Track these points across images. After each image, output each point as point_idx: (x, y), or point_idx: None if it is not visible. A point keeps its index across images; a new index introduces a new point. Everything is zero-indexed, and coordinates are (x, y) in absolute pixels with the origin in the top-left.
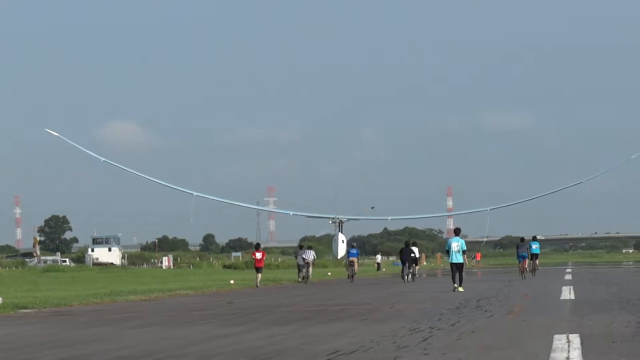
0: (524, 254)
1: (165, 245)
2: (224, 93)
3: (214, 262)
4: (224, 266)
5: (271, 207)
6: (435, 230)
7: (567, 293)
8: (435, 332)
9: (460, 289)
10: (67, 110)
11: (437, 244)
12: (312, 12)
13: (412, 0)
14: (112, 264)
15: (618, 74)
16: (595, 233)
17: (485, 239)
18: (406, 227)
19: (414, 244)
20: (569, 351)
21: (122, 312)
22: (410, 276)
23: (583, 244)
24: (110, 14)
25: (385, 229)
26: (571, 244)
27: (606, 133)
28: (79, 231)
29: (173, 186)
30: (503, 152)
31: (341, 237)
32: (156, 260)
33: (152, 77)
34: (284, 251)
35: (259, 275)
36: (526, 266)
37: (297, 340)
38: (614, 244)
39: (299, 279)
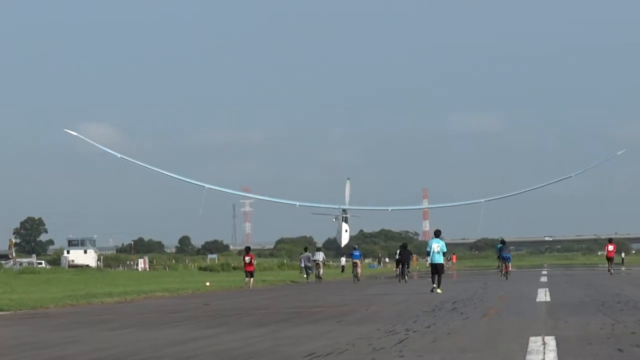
0: (507, 255)
1: (141, 247)
2: (197, 94)
3: (190, 264)
4: (200, 268)
5: (276, 199)
6: (411, 232)
7: (543, 295)
8: (411, 334)
9: (439, 290)
10: (41, 111)
11: (413, 246)
12: (285, 14)
13: (386, 2)
14: (87, 266)
15: (591, 75)
16: (579, 235)
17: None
18: (382, 229)
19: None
20: (544, 353)
21: (98, 314)
22: (405, 277)
23: (559, 246)
24: (83, 15)
25: (361, 231)
26: (547, 246)
27: (579, 133)
28: (54, 233)
29: (185, 179)
30: (476, 154)
31: (344, 227)
32: (132, 262)
33: (126, 78)
34: (259, 253)
35: (251, 279)
36: (508, 268)
37: (273, 343)
38: (590, 246)
39: (307, 279)
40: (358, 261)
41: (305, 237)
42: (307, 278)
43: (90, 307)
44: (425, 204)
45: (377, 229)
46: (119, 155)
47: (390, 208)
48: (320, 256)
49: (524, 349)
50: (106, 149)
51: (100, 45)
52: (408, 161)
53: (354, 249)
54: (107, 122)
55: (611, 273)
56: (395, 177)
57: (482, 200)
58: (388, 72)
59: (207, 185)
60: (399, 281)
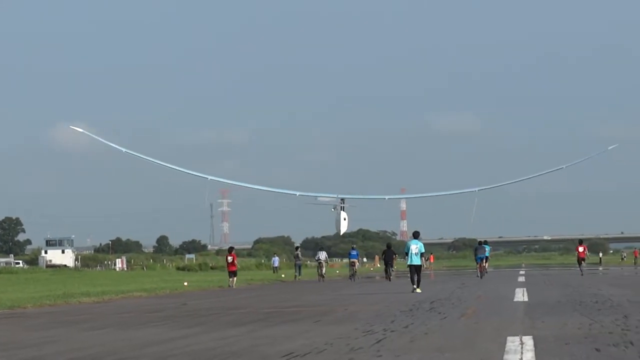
0: (482, 255)
1: (118, 247)
2: (178, 95)
3: (168, 264)
4: (178, 268)
5: (276, 189)
6: (389, 232)
7: (521, 295)
8: (388, 334)
9: (418, 290)
10: (18, 111)
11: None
12: (266, 16)
13: (364, 5)
14: (65, 265)
15: (563, 78)
16: (566, 235)
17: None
18: (360, 229)
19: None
20: (522, 353)
21: (76, 314)
22: (389, 276)
23: (536, 246)
24: (59, 17)
25: None
26: (524, 246)
27: (552, 133)
28: (32, 233)
29: (189, 171)
30: (453, 154)
31: (343, 215)
32: (110, 262)
33: (102, 78)
34: (237, 253)
35: (234, 278)
36: (485, 267)
37: (251, 342)
38: (567, 246)
39: (297, 278)
40: (355, 260)
41: (283, 237)
42: (296, 277)
43: (68, 307)
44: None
45: (354, 228)
46: (124, 150)
47: (387, 197)
48: (323, 255)
49: (501, 348)
50: (111, 144)
51: (79, 46)
52: (386, 161)
53: (352, 248)
54: (84, 122)
55: (582, 274)
56: (372, 176)
57: (476, 189)
58: (366, 75)
59: (210, 177)
60: (389, 280)
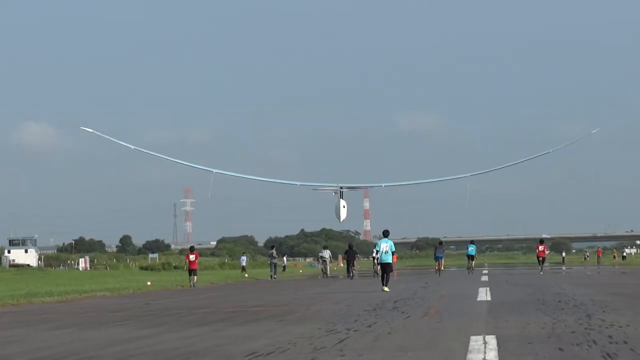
0: (441, 255)
1: (82, 246)
2: (139, 94)
3: (131, 263)
4: (141, 268)
5: (282, 180)
6: (353, 232)
7: (484, 294)
8: (352, 333)
9: (386, 288)
10: None
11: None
12: (229, 16)
13: (331, 3)
14: (28, 265)
15: (528, 77)
16: (529, 235)
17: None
18: (323, 229)
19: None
20: (485, 352)
21: (39, 314)
22: (352, 274)
23: (499, 246)
24: (22, 14)
25: (302, 230)
26: (487, 245)
27: (517, 133)
28: None
29: (194, 165)
30: (416, 152)
31: (342, 203)
32: (73, 262)
33: (66, 77)
34: (201, 252)
35: (195, 277)
36: (441, 267)
37: (214, 342)
38: (530, 245)
39: (273, 277)
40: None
41: (246, 236)
42: (271, 276)
43: (31, 306)
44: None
45: (318, 228)
46: (132, 147)
47: (383, 184)
48: (327, 254)
49: (464, 348)
50: (120, 142)
51: (41, 44)
52: (352, 160)
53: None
54: (45, 121)
55: (541, 272)
56: (339, 175)
57: (468, 174)
58: (332, 72)
59: (215, 170)
60: (350, 278)
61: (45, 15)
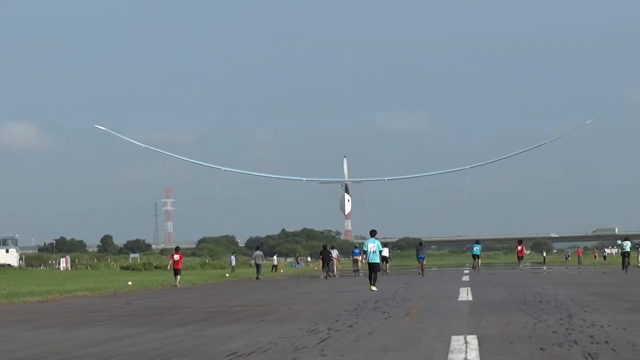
0: (423, 255)
1: (63, 246)
2: (121, 94)
3: (112, 263)
4: (122, 267)
5: (285, 176)
6: (334, 232)
7: (465, 294)
8: (333, 333)
9: (374, 288)
10: None
11: (335, 245)
12: (203, 13)
13: (314, 3)
14: (9, 265)
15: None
16: (510, 235)
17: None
18: (304, 228)
19: (385, 245)
20: (466, 352)
21: (20, 314)
22: (327, 274)
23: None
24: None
25: (283, 230)
26: (468, 245)
27: (499, 133)
28: None
29: (203, 163)
30: (398, 152)
31: (347, 197)
32: (54, 262)
33: (49, 77)
34: (182, 252)
35: (178, 277)
36: (423, 266)
37: (195, 342)
38: (512, 245)
39: (258, 277)
40: (358, 258)
41: (227, 236)
42: (257, 276)
43: (12, 306)
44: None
45: (299, 227)
46: (143, 146)
47: (386, 178)
48: (335, 253)
49: (446, 347)
50: (132, 141)
51: (23, 43)
52: (335, 160)
53: (355, 247)
54: (27, 121)
55: (521, 270)
56: (321, 175)
57: (467, 167)
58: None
59: (223, 168)
60: (325, 278)
61: (23, 14)
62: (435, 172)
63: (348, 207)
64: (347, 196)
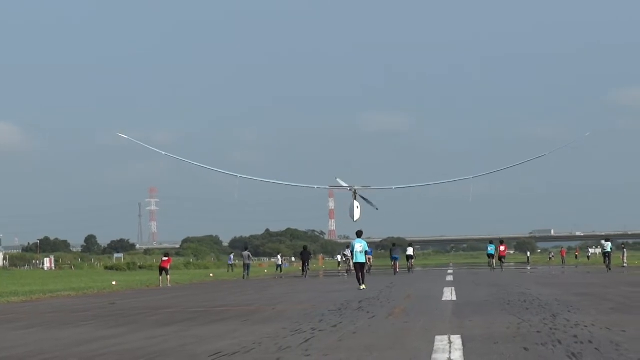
0: (397, 256)
1: (46, 246)
2: (102, 94)
3: (96, 263)
4: (106, 267)
5: (294, 183)
6: (318, 232)
7: (449, 294)
8: (317, 333)
9: (363, 286)
10: None
11: (319, 245)
12: (194, 17)
13: (295, 4)
14: None
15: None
16: (494, 235)
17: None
18: (288, 228)
19: (410, 245)
20: (450, 352)
21: (3, 314)
22: (306, 273)
23: (464, 245)
24: None
25: (267, 230)
26: (452, 245)
27: (484, 134)
28: None
29: (220, 170)
30: (383, 153)
31: (356, 204)
32: (38, 262)
33: (32, 77)
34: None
35: (168, 277)
36: (397, 267)
37: (179, 342)
38: (496, 245)
39: (245, 277)
40: (370, 257)
41: (211, 236)
42: (244, 276)
43: None
44: (328, 205)
45: (282, 227)
46: (163, 153)
47: (394, 187)
48: (348, 252)
49: (430, 347)
50: (153, 148)
51: (3, 43)
52: (318, 160)
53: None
54: (10, 122)
55: (502, 270)
56: (305, 175)
57: (470, 176)
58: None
59: (239, 175)
60: (304, 277)
61: (15, 14)
62: (441, 182)
63: (357, 214)
64: (356, 203)
